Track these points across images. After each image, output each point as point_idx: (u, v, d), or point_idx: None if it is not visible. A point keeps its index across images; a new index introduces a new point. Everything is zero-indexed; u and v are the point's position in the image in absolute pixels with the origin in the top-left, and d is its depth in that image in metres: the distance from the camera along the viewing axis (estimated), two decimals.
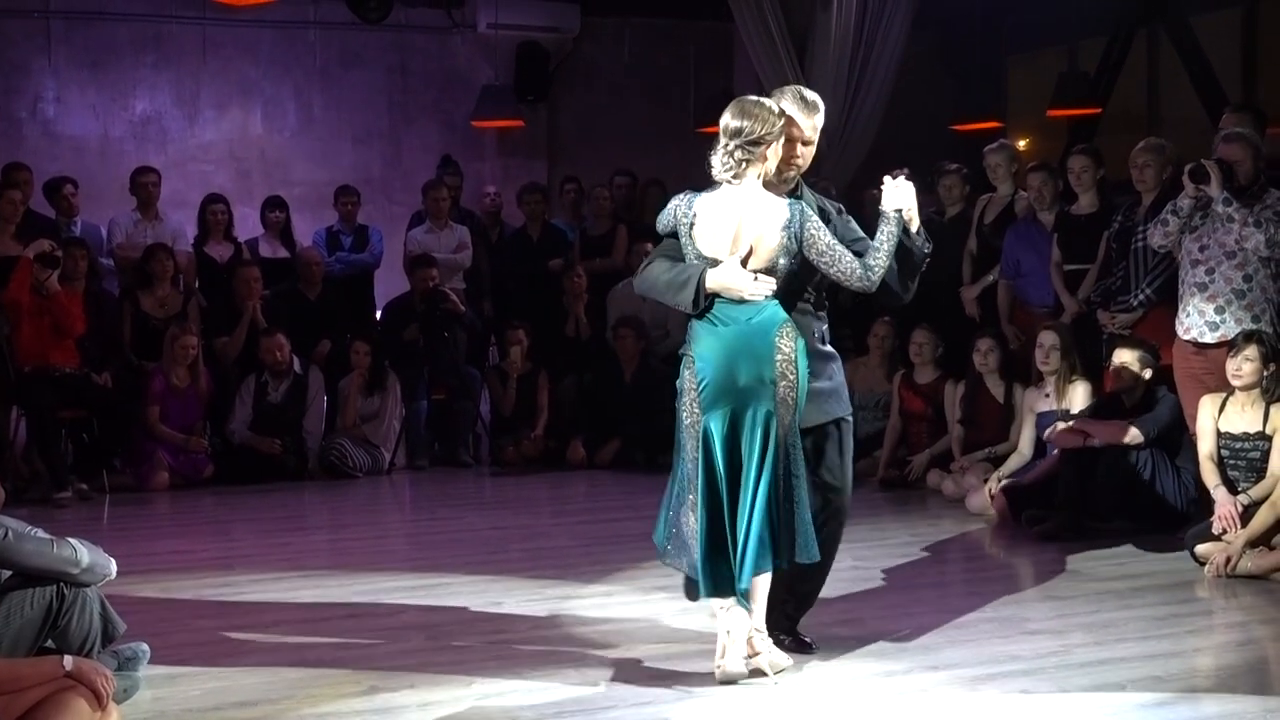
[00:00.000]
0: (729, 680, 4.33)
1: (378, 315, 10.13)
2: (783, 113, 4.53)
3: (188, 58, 12.09)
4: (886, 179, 4.55)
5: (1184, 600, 5.70)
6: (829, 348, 4.79)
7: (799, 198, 4.58)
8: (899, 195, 4.48)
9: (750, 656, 4.38)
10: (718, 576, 4.38)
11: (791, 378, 4.41)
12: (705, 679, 4.48)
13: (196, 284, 9.51)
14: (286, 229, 10.11)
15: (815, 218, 4.49)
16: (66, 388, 8.28)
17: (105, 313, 8.90)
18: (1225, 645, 5.06)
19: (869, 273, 4.45)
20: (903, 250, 4.53)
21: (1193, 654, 4.95)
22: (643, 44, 13.05)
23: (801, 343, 4.46)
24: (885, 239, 4.47)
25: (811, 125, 4.65)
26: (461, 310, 9.63)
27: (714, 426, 4.41)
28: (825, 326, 4.78)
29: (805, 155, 4.67)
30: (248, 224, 10.34)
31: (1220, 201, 6.44)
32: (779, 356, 4.40)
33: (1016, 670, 4.61)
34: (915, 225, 4.57)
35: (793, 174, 4.66)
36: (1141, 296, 7.20)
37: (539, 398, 9.45)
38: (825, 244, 4.44)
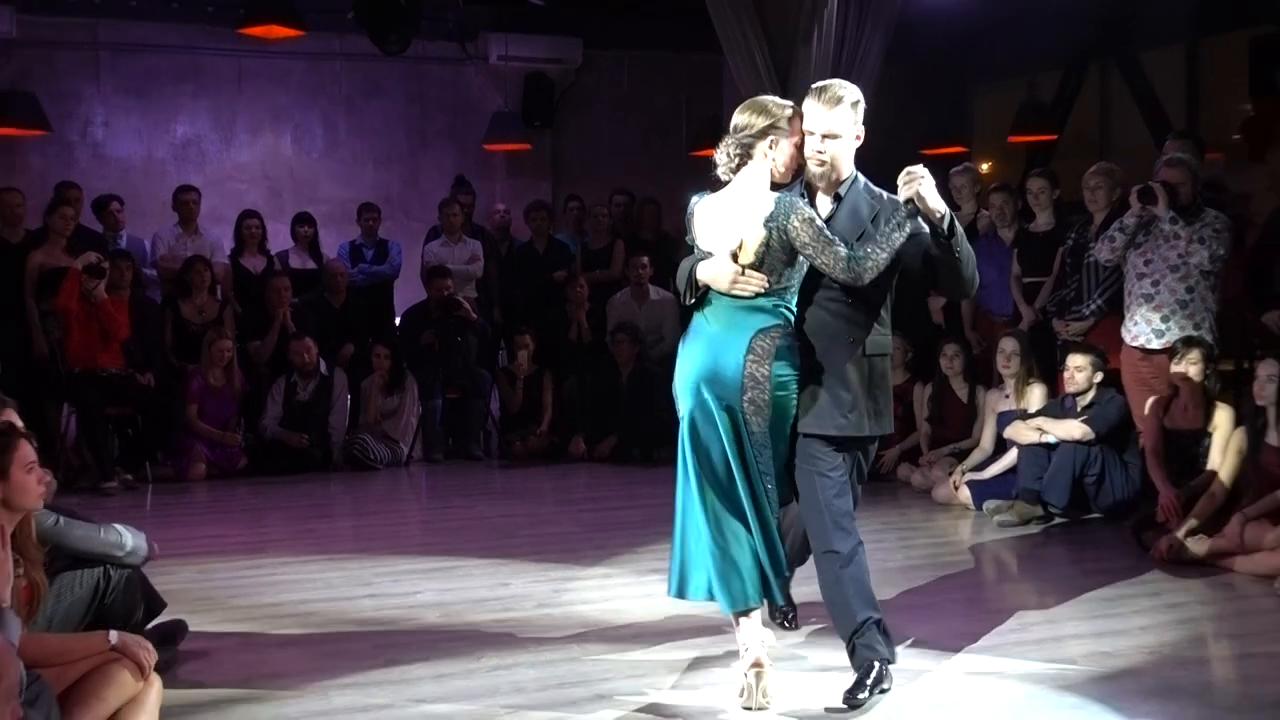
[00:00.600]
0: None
1: (397, 321, 10.13)
2: (791, 109, 4.13)
3: (225, 86, 12.11)
4: (902, 173, 3.99)
5: (1130, 583, 5.70)
6: (874, 358, 4.13)
7: (840, 195, 4.11)
8: (909, 186, 3.93)
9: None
10: (731, 585, 4.01)
11: (761, 380, 4.00)
12: (696, 653, 4.48)
13: (232, 292, 9.50)
14: (314, 243, 10.12)
15: (805, 212, 3.99)
16: (113, 387, 8.30)
17: (148, 319, 8.91)
18: (1167, 623, 5.06)
19: (854, 264, 3.93)
20: (939, 244, 4.01)
21: (1138, 631, 4.96)
22: (639, 75, 13.07)
23: (782, 346, 4.02)
24: (888, 230, 3.97)
25: (830, 118, 4.03)
26: (473, 317, 9.64)
27: (684, 425, 4.12)
28: (870, 334, 4.12)
29: (831, 150, 4.06)
30: (279, 238, 10.34)
31: (1167, 220, 6.47)
32: (749, 358, 4.00)
33: (979, 646, 4.62)
34: (941, 213, 3.94)
35: (821, 170, 4.10)
36: (1093, 306, 7.22)
37: (544, 397, 9.46)
38: (809, 237, 3.96)
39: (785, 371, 4.05)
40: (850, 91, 4.10)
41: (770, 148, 4.10)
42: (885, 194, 4.12)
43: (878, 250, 3.97)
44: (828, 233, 3.99)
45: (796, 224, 3.97)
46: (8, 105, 10.99)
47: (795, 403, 4.07)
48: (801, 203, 4.05)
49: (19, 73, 11.24)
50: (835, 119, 4.05)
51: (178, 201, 9.77)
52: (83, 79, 11.72)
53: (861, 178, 4.17)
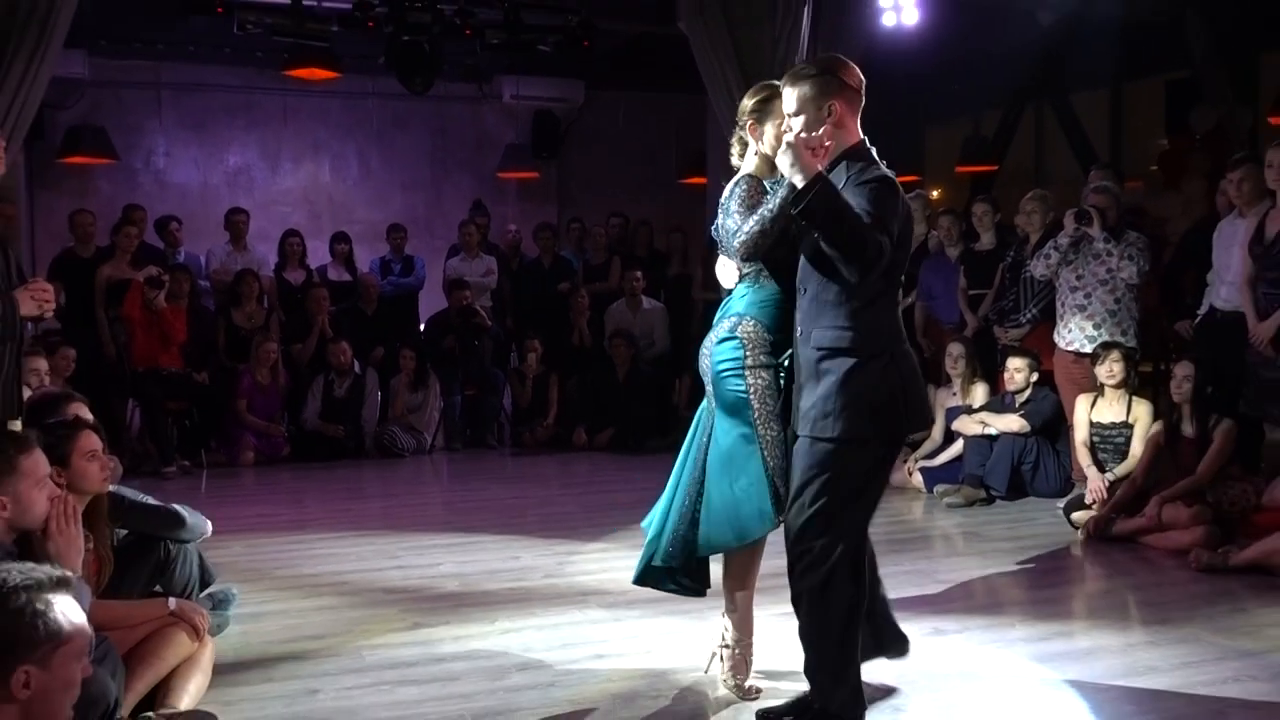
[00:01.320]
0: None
1: (421, 327, 10.11)
2: (771, 89, 3.54)
3: (271, 121, 12.13)
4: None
5: (1062, 557, 5.71)
6: (825, 355, 3.28)
7: (824, 173, 3.18)
8: (780, 154, 3.22)
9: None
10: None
11: (707, 369, 3.60)
12: (686, 619, 4.47)
13: (277, 301, 9.48)
14: (349, 258, 10.10)
15: (740, 190, 3.48)
16: (172, 384, 8.29)
17: (203, 324, 8.90)
18: (1095, 593, 5.07)
19: (734, 238, 3.42)
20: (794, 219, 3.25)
21: (1069, 600, 4.96)
22: (635, 112, 13.06)
23: (726, 335, 3.53)
24: (765, 206, 3.38)
25: (796, 95, 3.30)
26: (488, 324, 9.63)
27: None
28: (817, 329, 3.29)
29: (804, 129, 3.26)
30: (318, 254, 10.33)
31: (1100, 240, 6.49)
32: (705, 346, 3.62)
33: (927, 611, 4.62)
34: (796, 179, 3.12)
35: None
36: (1029, 315, 7.23)
37: (550, 394, 9.45)
38: (731, 213, 3.45)
39: (725, 359, 3.53)
40: (811, 67, 3.37)
41: (751, 132, 3.59)
42: (876, 176, 3.26)
43: (749, 223, 3.38)
44: (743, 205, 3.43)
45: (726, 201, 3.50)
46: (81, 137, 11.02)
47: (747, 393, 3.49)
48: (742, 181, 3.53)
49: (90, 109, 11.25)
50: (800, 94, 3.32)
51: (229, 222, 9.77)
52: (147, 114, 11.73)
53: (853, 166, 3.30)
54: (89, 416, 4.05)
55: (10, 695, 1.96)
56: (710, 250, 9.74)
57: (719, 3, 9.73)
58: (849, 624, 3.28)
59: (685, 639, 4.29)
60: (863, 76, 3.41)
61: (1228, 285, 6.17)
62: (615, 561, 5.52)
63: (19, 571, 2.06)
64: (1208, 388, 5.88)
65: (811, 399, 3.28)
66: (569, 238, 11.03)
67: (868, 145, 3.40)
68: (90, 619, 2.99)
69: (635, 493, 7.27)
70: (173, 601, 3.74)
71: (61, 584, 2.04)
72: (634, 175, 12.82)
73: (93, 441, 3.69)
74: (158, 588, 4.16)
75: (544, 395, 9.46)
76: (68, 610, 2.01)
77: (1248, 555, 5.19)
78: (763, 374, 3.51)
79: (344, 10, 9.41)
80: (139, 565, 4.17)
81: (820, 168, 3.17)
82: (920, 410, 3.55)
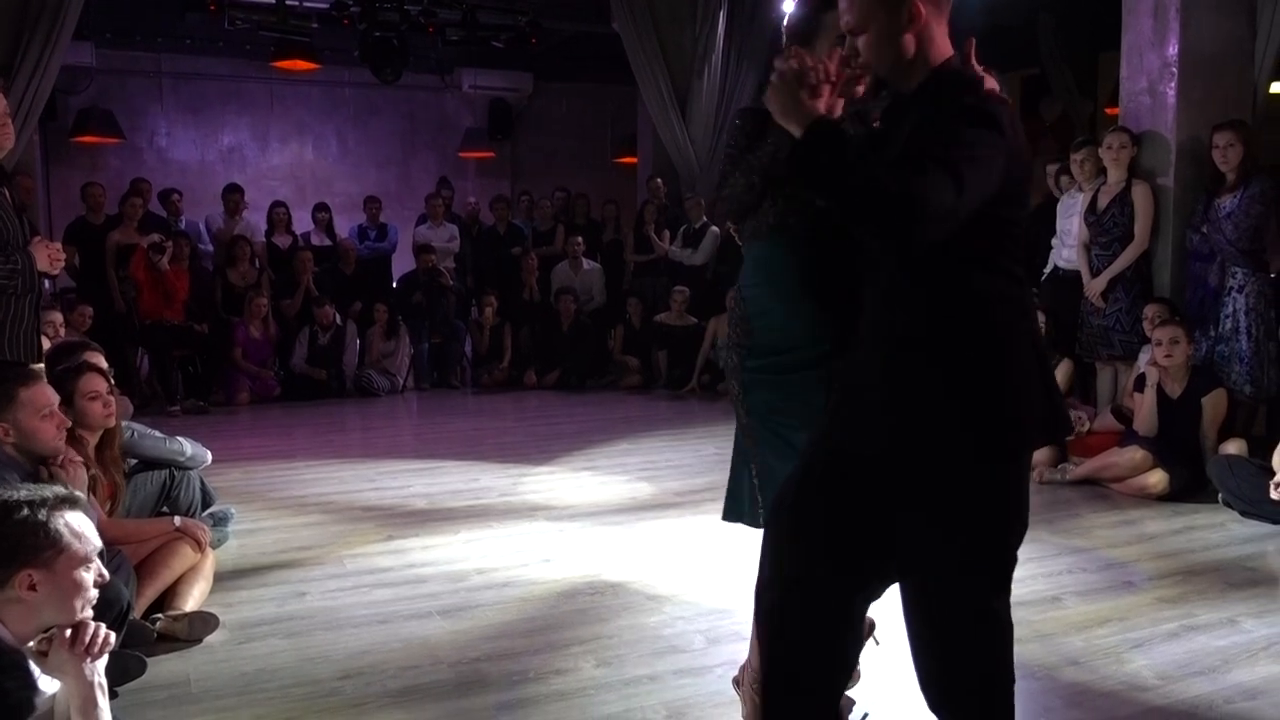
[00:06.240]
0: None
1: (394, 285, 10.00)
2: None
3: (260, 106, 11.87)
4: None
5: None
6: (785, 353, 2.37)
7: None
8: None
9: None
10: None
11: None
12: (619, 528, 4.51)
13: (267, 263, 9.32)
14: (330, 225, 9.93)
15: (735, 128, 2.40)
16: (176, 335, 8.13)
17: (202, 283, 8.72)
18: None
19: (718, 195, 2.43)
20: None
21: None
22: (576, 101, 12.96)
23: (732, 308, 2.54)
24: (755, 154, 2.32)
25: (858, 2, 1.94)
26: (451, 282, 9.54)
27: None
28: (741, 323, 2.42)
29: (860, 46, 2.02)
30: (303, 222, 10.15)
31: None
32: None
33: None
34: (792, 129, 1.84)
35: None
36: None
37: (504, 341, 9.40)
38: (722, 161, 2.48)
39: (732, 339, 2.52)
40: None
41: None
42: (969, 106, 1.86)
43: (733, 174, 2.32)
44: (734, 148, 2.33)
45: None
46: (90, 119, 10.72)
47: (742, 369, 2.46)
48: (743, 111, 2.43)
49: (99, 94, 10.92)
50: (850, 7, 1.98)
51: (225, 195, 9.57)
52: (149, 99, 11.42)
53: (946, 90, 1.91)
54: (104, 364, 3.96)
55: (18, 596, 1.96)
56: (642, 220, 9.77)
57: (647, 6, 9.67)
58: None
59: (617, 547, 4.34)
60: None
61: (1068, 248, 6.29)
62: (560, 482, 5.56)
63: (27, 490, 2.05)
64: (1052, 332, 6.00)
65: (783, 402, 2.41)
66: (520, 208, 10.94)
67: (968, 62, 2.01)
68: (106, 535, 2.96)
69: (577, 424, 7.32)
70: (178, 519, 3.71)
71: (66, 501, 2.02)
72: (575, 155, 12.76)
73: (94, 384, 3.61)
74: (165, 508, 4.11)
75: (499, 343, 9.42)
76: (72, 522, 1.99)
77: (1082, 471, 5.35)
78: None
79: (322, 9, 9.24)
80: (148, 489, 4.12)
81: (823, 109, 1.86)
82: None
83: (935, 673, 2.06)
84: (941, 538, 1.98)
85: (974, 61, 2.01)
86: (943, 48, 1.96)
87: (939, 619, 2.04)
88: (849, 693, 2.59)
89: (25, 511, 1.96)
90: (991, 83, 1.95)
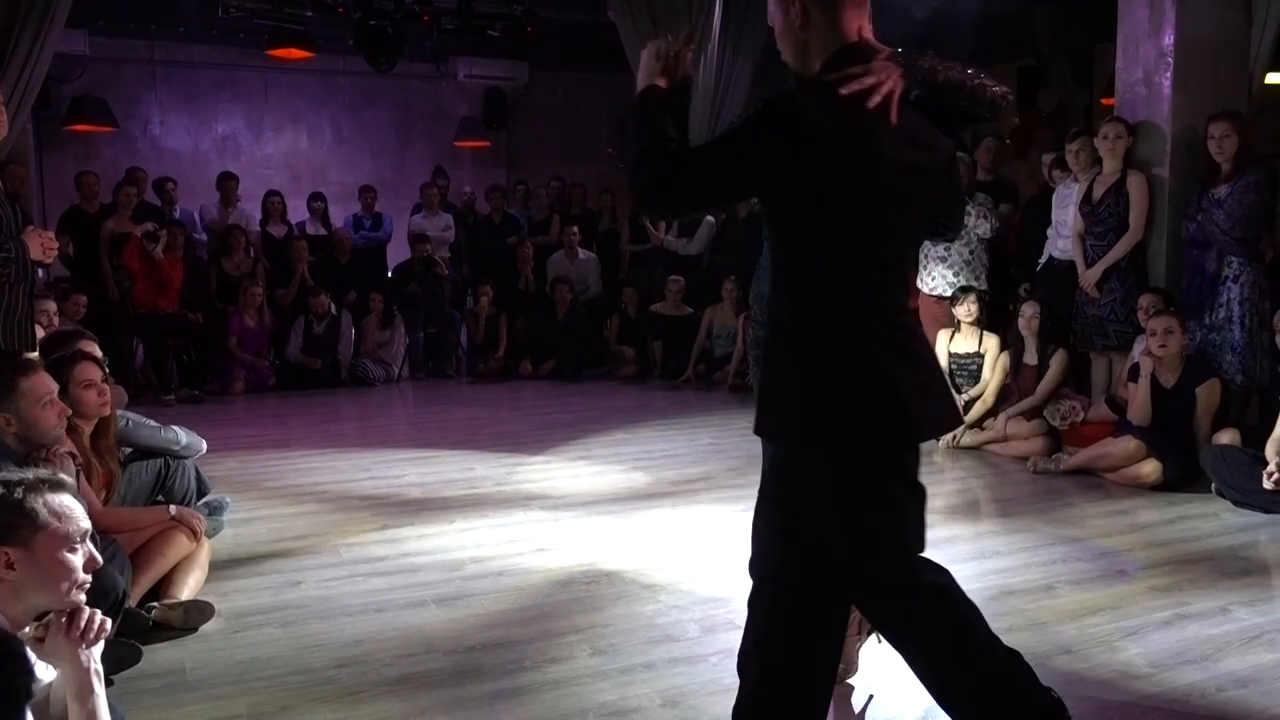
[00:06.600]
0: None
1: (389, 274, 9.99)
2: None
3: (254, 95, 11.81)
4: None
5: (924, 465, 5.82)
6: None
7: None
8: None
9: None
10: None
11: None
12: (614, 518, 4.51)
13: (262, 252, 9.30)
14: (325, 215, 9.91)
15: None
16: (171, 323, 8.12)
17: (197, 272, 8.71)
18: (951, 493, 5.20)
19: None
20: None
21: (930, 498, 5.07)
22: (571, 90, 12.92)
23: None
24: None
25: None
26: (446, 271, 9.53)
27: None
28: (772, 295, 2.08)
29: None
30: (298, 211, 10.11)
31: None
32: None
33: None
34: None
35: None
36: None
37: (500, 331, 9.40)
38: None
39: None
40: None
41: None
42: (777, 96, 1.88)
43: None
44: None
45: None
46: (84, 107, 10.66)
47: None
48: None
49: (92, 82, 10.85)
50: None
51: (220, 184, 9.52)
52: (143, 88, 11.36)
53: (827, 77, 1.93)
54: (98, 353, 3.95)
55: None
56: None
57: None
58: None
59: (612, 536, 4.34)
60: None
61: (1063, 238, 6.29)
62: (555, 471, 5.56)
63: (8, 472, 2.05)
64: (1047, 322, 6.02)
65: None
66: (516, 198, 10.91)
67: (874, 45, 2.00)
68: (101, 523, 2.96)
69: (572, 414, 7.32)
70: (173, 508, 3.70)
71: (49, 483, 2.02)
72: (571, 144, 12.71)
73: (88, 372, 3.60)
74: (160, 497, 4.11)
75: (495, 332, 9.41)
76: (52, 501, 1.99)
77: (1076, 460, 5.36)
78: None
79: None
80: (143, 478, 4.12)
81: (663, 81, 1.99)
82: None
83: (905, 654, 2.08)
84: (823, 525, 2.01)
85: (870, 42, 2.01)
86: (843, 30, 1.99)
87: (860, 602, 2.13)
88: (850, 681, 2.84)
89: (1, 490, 1.96)
90: (880, 78, 1.90)
